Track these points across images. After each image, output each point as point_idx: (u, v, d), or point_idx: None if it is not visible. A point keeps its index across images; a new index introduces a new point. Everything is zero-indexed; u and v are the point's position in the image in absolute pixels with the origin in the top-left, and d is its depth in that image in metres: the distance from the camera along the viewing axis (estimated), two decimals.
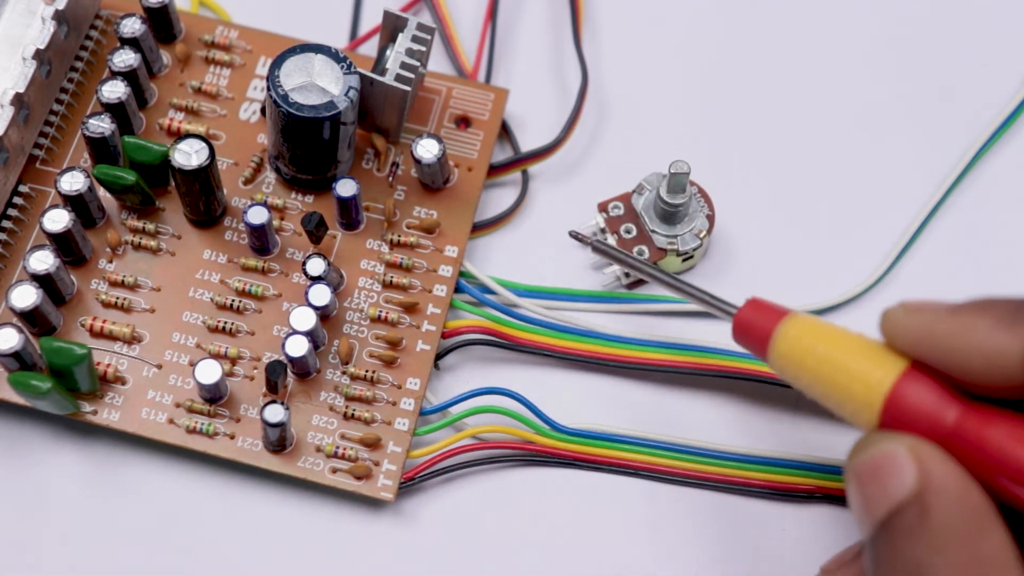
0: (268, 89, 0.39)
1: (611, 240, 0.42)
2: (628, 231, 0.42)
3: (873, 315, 0.42)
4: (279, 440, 0.38)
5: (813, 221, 0.43)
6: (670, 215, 0.41)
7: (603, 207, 0.42)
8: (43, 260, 0.39)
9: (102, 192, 0.41)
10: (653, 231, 0.41)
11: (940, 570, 0.28)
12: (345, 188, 0.40)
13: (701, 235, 0.41)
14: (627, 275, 0.42)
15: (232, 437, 0.39)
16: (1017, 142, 0.44)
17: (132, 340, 0.40)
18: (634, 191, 0.42)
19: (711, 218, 0.41)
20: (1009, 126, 0.44)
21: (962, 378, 0.30)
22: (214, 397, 0.39)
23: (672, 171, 0.40)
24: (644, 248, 0.41)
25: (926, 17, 0.46)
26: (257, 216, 0.40)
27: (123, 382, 0.39)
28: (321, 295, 0.39)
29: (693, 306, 0.42)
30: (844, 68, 0.45)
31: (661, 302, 0.42)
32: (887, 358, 0.32)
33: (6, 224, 0.40)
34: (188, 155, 0.39)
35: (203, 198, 0.40)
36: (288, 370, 0.39)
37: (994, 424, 0.30)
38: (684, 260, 0.42)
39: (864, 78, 0.45)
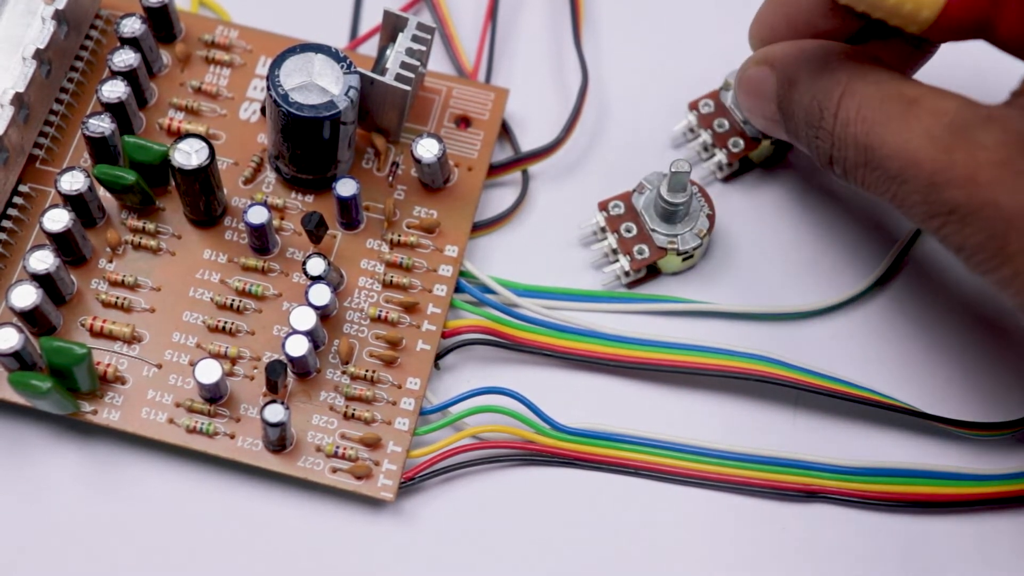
0: (268, 89, 0.39)
1: (613, 240, 0.42)
2: (628, 230, 0.42)
3: (872, 316, 0.42)
4: (279, 440, 0.38)
5: (813, 221, 0.43)
6: (671, 214, 0.41)
7: (603, 206, 0.42)
8: (43, 260, 0.39)
9: (102, 192, 0.41)
10: (653, 230, 0.41)
11: (813, 95, 0.36)
12: (345, 188, 0.40)
13: (701, 234, 0.41)
14: (627, 275, 0.42)
15: (232, 437, 0.39)
16: None
17: (132, 340, 0.40)
18: (634, 190, 0.42)
19: (711, 217, 0.41)
20: None
21: None
22: (214, 397, 0.39)
23: (673, 170, 0.40)
24: (644, 247, 0.41)
25: None
26: (257, 216, 0.40)
27: (123, 382, 0.39)
28: (321, 295, 0.39)
29: (693, 306, 0.42)
30: None
31: (661, 302, 0.42)
32: None
33: (6, 224, 0.40)
34: (188, 155, 0.39)
35: (203, 198, 0.40)
36: (288, 370, 0.39)
37: None
38: (684, 259, 0.42)
39: None
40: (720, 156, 0.42)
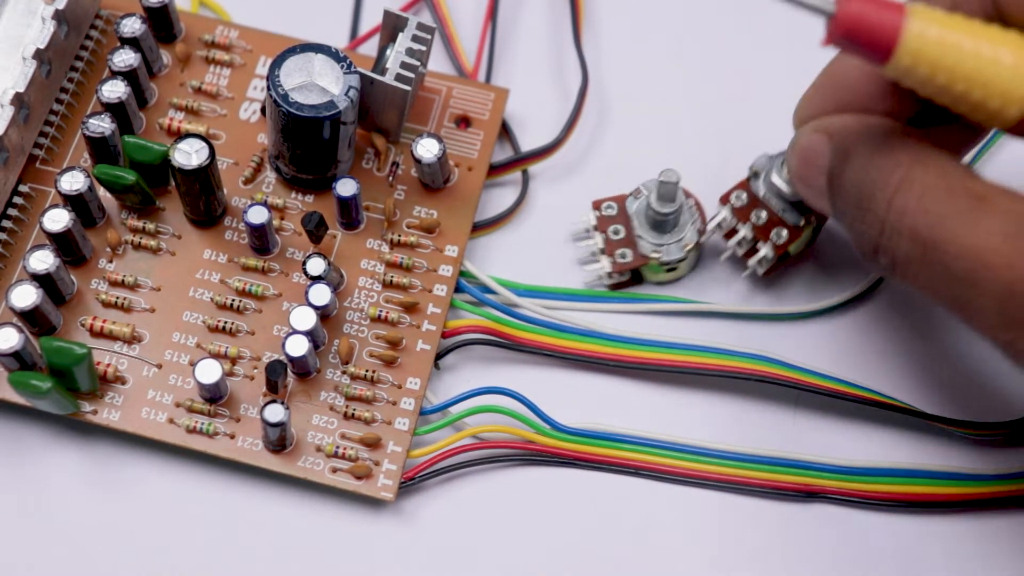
0: (268, 89, 0.39)
1: (599, 240, 0.41)
2: (616, 232, 0.41)
3: (872, 316, 0.42)
4: (279, 440, 0.38)
5: None
6: (659, 223, 0.41)
7: (597, 205, 0.42)
8: (43, 260, 0.39)
9: (102, 192, 0.41)
10: (640, 236, 0.41)
11: (867, 174, 0.33)
12: (345, 188, 0.40)
13: (687, 248, 0.41)
14: (609, 276, 0.42)
15: (232, 437, 0.39)
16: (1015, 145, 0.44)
17: (132, 340, 0.40)
18: (631, 194, 0.42)
19: (702, 232, 0.41)
20: None
21: None
22: (214, 397, 0.39)
23: (661, 179, 0.40)
24: (628, 252, 0.41)
25: None
26: (257, 216, 0.40)
27: (123, 382, 0.39)
28: (321, 295, 0.39)
29: (693, 306, 0.42)
30: None
31: (661, 302, 0.42)
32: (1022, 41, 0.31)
33: (6, 224, 0.40)
34: (188, 155, 0.39)
35: (203, 198, 0.40)
36: (288, 370, 0.39)
37: None
38: (668, 271, 0.42)
39: None
40: (765, 250, 0.40)
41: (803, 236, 0.40)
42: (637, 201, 0.42)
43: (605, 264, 0.41)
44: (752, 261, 0.40)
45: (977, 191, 0.32)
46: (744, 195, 0.40)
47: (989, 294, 0.31)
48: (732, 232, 0.41)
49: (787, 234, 0.40)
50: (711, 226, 0.41)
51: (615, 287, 0.42)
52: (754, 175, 0.40)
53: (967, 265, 0.31)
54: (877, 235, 0.33)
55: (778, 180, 0.40)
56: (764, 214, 0.40)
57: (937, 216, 0.32)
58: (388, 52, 0.41)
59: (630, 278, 0.42)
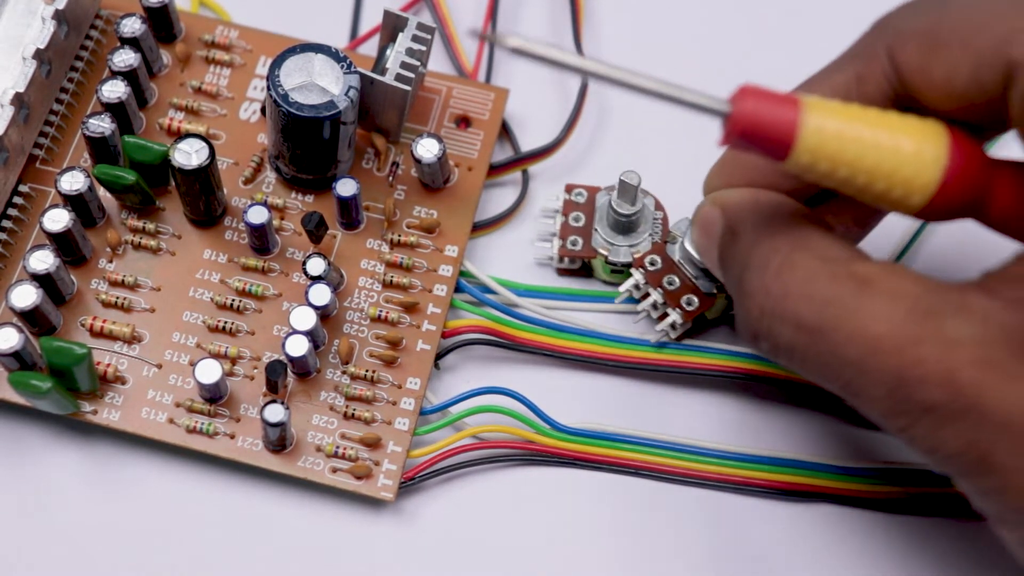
0: (268, 89, 0.39)
1: (558, 222, 0.41)
2: (576, 219, 0.41)
3: None
4: (279, 440, 0.38)
5: None
6: (619, 223, 0.41)
7: (569, 189, 0.42)
8: (43, 260, 0.39)
9: (102, 192, 0.41)
10: (596, 230, 0.41)
11: (749, 256, 0.33)
12: (345, 188, 0.40)
13: (636, 256, 0.41)
14: (559, 259, 0.41)
15: (232, 437, 0.39)
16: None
17: (132, 340, 0.40)
18: (605, 188, 0.42)
19: (657, 246, 0.40)
20: None
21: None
22: (214, 397, 0.39)
23: (621, 178, 0.40)
24: (578, 239, 0.41)
25: None
26: (257, 216, 0.40)
27: (123, 382, 0.39)
28: (321, 295, 0.39)
29: None
30: None
31: None
32: (930, 130, 0.31)
33: (6, 224, 0.40)
34: (188, 155, 0.39)
35: (203, 198, 0.40)
36: (288, 370, 0.39)
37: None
38: (614, 271, 0.42)
39: None
40: (674, 316, 0.40)
41: (717, 304, 0.40)
42: (607, 196, 0.42)
43: (555, 245, 0.41)
44: (662, 326, 0.40)
45: (861, 274, 0.31)
46: (659, 260, 0.40)
47: (879, 381, 0.30)
48: (645, 296, 0.40)
49: (698, 302, 0.39)
50: (622, 288, 0.40)
51: (563, 273, 0.42)
52: (671, 239, 0.40)
53: (855, 352, 0.30)
54: (756, 319, 0.32)
55: (690, 247, 0.39)
56: (677, 280, 0.40)
57: (821, 302, 0.31)
58: (388, 52, 0.41)
59: (579, 269, 0.42)
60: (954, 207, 0.31)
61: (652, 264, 0.40)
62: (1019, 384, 0.29)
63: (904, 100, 0.33)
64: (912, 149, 0.30)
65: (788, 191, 0.35)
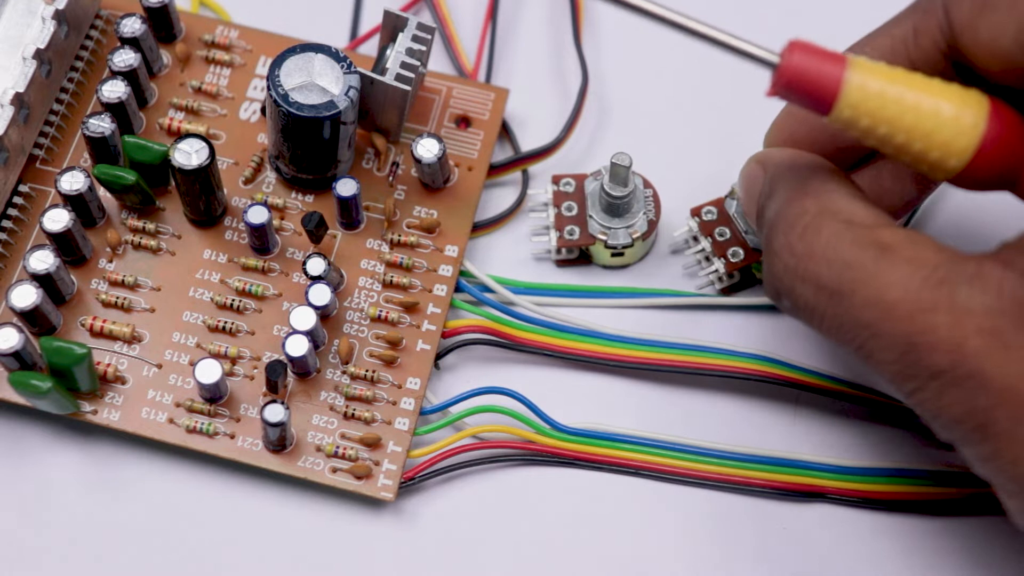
0: (268, 89, 0.39)
1: (551, 214, 0.42)
2: (569, 209, 0.42)
3: None
4: (279, 440, 0.38)
5: None
6: (612, 206, 0.41)
7: (556, 180, 0.42)
8: (43, 260, 0.39)
9: (102, 192, 0.41)
10: (591, 216, 0.41)
11: (780, 215, 0.33)
12: (345, 188, 0.40)
13: (635, 236, 0.41)
14: (558, 251, 0.42)
15: (232, 437, 0.39)
16: None
17: (132, 340, 0.40)
18: (591, 174, 0.42)
19: (653, 223, 0.41)
20: None
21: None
22: (214, 397, 0.39)
23: (613, 161, 0.40)
24: (576, 229, 0.41)
25: None
26: (257, 216, 0.40)
27: (123, 382, 0.39)
28: (321, 295, 0.39)
29: (692, 300, 0.42)
30: None
31: (661, 295, 0.42)
32: (970, 97, 0.31)
33: (6, 224, 0.40)
34: (188, 155, 0.39)
35: (203, 198, 0.40)
36: (288, 370, 0.39)
37: None
38: (614, 255, 0.42)
39: None
40: (718, 265, 0.41)
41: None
42: (596, 182, 0.42)
43: (552, 237, 0.41)
44: (706, 272, 0.41)
45: (883, 240, 0.31)
46: (715, 211, 0.41)
47: (891, 345, 0.31)
48: (698, 246, 0.42)
49: (743, 254, 0.41)
50: (677, 235, 0.42)
51: (561, 263, 0.42)
52: (730, 194, 0.41)
53: (871, 316, 0.31)
54: (779, 277, 0.33)
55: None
56: (728, 232, 0.41)
57: (842, 265, 0.32)
58: (388, 52, 0.41)
59: (579, 257, 0.42)
60: (991, 176, 0.32)
61: (708, 214, 0.41)
62: (1019, 354, 0.29)
63: (956, 57, 0.33)
64: (951, 113, 0.31)
65: (835, 154, 0.36)
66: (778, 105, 0.44)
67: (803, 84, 0.31)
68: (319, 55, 0.39)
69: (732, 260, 0.41)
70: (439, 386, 0.41)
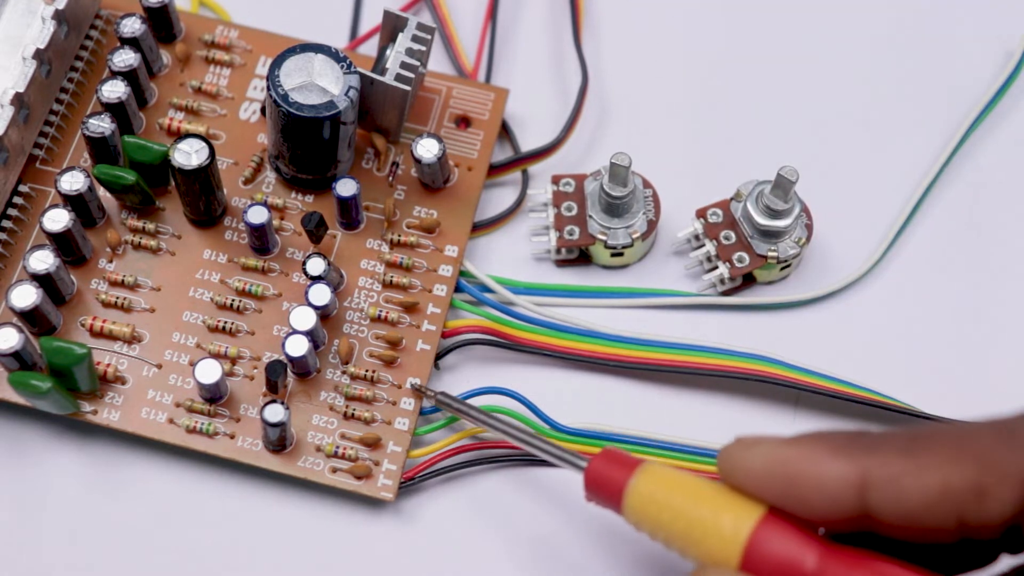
0: (268, 89, 0.39)
1: (551, 214, 0.41)
2: (569, 209, 0.42)
3: (859, 308, 0.42)
4: (279, 440, 0.38)
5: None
6: (612, 206, 0.41)
7: (556, 180, 0.42)
8: (43, 260, 0.39)
9: (102, 192, 0.41)
10: (590, 216, 0.41)
11: None
12: (345, 188, 0.40)
13: (635, 236, 0.41)
14: (557, 251, 0.42)
15: (232, 437, 0.39)
16: (1002, 134, 0.44)
17: (132, 340, 0.40)
18: (591, 174, 0.42)
19: (652, 223, 0.41)
20: (988, 113, 0.44)
21: (804, 514, 0.30)
22: (214, 397, 0.39)
23: (613, 161, 0.40)
24: (576, 229, 0.41)
25: (924, 24, 0.46)
26: (257, 216, 0.40)
27: (123, 382, 0.39)
28: (321, 295, 0.39)
29: (692, 300, 0.42)
30: (843, 68, 0.45)
31: (661, 296, 0.42)
32: (742, 508, 0.31)
33: (6, 224, 0.40)
34: (188, 155, 0.39)
35: (203, 198, 0.40)
36: (288, 370, 0.39)
37: (855, 568, 0.30)
38: (614, 255, 0.42)
39: (863, 77, 0.45)
40: (722, 269, 0.41)
41: (767, 266, 0.41)
42: (595, 182, 0.42)
43: (552, 237, 0.41)
44: (709, 276, 0.41)
45: None
46: (720, 213, 0.41)
47: None
48: (701, 247, 0.42)
49: (748, 260, 0.41)
50: (680, 235, 0.42)
51: (561, 263, 0.42)
52: (736, 197, 0.41)
53: None
54: None
55: (752, 208, 0.40)
56: (733, 236, 0.41)
57: None
58: (388, 52, 0.41)
59: (578, 257, 0.42)
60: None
61: (713, 216, 0.41)
62: None
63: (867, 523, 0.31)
64: (730, 529, 0.31)
65: (825, 517, 0.32)
66: (769, 110, 0.44)
67: (599, 488, 0.33)
68: (319, 55, 0.39)
69: (737, 265, 0.41)
70: (439, 386, 0.41)
